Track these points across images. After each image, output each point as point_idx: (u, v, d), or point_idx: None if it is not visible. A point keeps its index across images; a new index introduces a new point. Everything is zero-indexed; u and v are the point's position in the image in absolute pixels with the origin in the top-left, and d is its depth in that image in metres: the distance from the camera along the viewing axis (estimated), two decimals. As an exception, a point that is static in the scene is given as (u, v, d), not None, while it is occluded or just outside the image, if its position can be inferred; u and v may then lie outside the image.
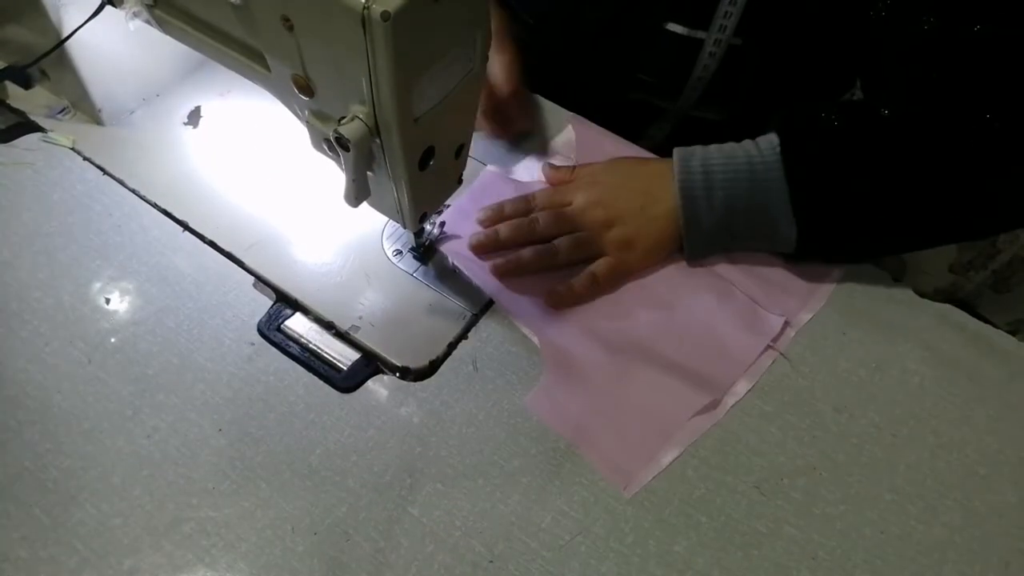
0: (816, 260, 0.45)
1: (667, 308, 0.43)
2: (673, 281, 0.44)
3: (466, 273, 0.44)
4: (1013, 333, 0.44)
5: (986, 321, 0.44)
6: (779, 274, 0.45)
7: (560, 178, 0.47)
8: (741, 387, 0.40)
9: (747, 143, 0.43)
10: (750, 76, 0.51)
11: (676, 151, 0.44)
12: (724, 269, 0.45)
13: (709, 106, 0.54)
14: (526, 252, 0.44)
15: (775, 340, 0.42)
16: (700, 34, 0.49)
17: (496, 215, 0.45)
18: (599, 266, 0.43)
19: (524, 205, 0.46)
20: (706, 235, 0.44)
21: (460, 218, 0.46)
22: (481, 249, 0.44)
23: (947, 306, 0.45)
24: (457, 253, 0.45)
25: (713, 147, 0.44)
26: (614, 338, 0.42)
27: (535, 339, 0.42)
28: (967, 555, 0.36)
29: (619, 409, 0.39)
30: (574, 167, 0.48)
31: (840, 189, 0.41)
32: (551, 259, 0.43)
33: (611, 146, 0.51)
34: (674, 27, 0.50)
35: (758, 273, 0.45)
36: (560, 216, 0.44)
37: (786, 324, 0.42)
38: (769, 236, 0.43)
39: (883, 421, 0.40)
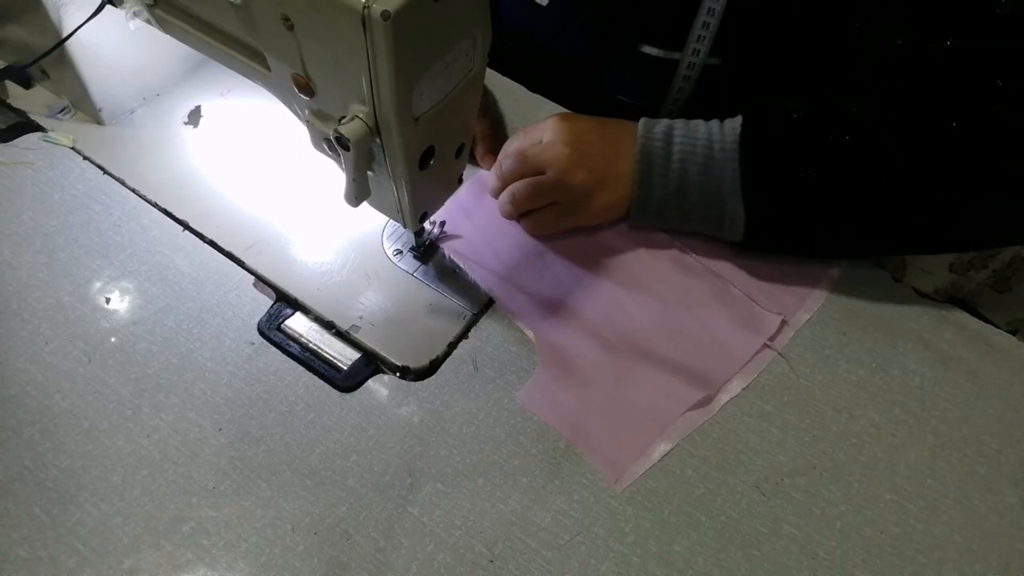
0: (763, 251, 0.45)
1: (663, 305, 0.43)
2: (670, 278, 0.45)
3: (466, 271, 0.44)
4: (1013, 333, 0.44)
5: (986, 321, 0.44)
6: (777, 273, 0.45)
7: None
8: (736, 384, 0.40)
9: (713, 122, 0.43)
10: (725, 95, 0.52)
11: (643, 119, 0.44)
12: (722, 267, 0.45)
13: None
14: (501, 198, 0.45)
15: (772, 339, 0.42)
16: (675, 55, 0.50)
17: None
18: (556, 210, 0.44)
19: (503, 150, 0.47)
20: (656, 202, 0.44)
21: (461, 217, 0.46)
22: (494, 194, 0.46)
23: (947, 305, 0.45)
24: (456, 252, 0.45)
25: (679, 120, 0.44)
26: (610, 335, 0.42)
27: (531, 335, 0.42)
28: (967, 555, 0.36)
29: (613, 404, 0.40)
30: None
31: (792, 178, 0.40)
32: (513, 206, 0.44)
33: None
34: (649, 49, 0.50)
35: (757, 271, 0.45)
36: (521, 157, 0.44)
37: (783, 323, 0.43)
38: (716, 219, 0.43)
39: (883, 421, 0.40)
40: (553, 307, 0.43)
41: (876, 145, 0.39)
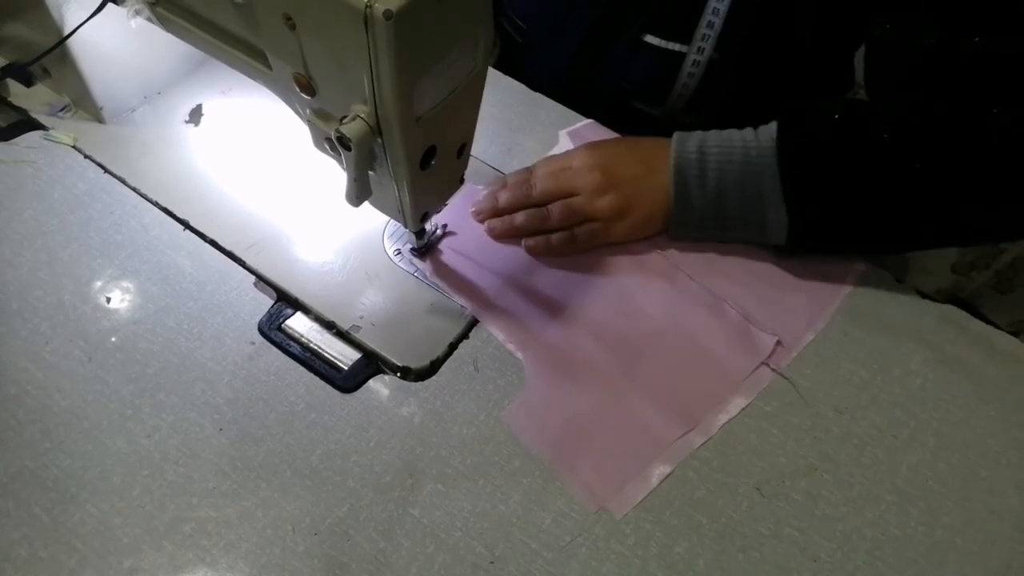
0: (807, 253, 0.44)
1: (655, 326, 0.42)
2: (662, 297, 0.44)
3: (448, 291, 0.43)
4: (1015, 334, 0.44)
5: (988, 322, 0.44)
6: (782, 293, 0.44)
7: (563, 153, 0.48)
8: (735, 405, 0.39)
9: (747, 130, 0.43)
10: (733, 89, 0.52)
11: (676, 133, 0.44)
12: (719, 285, 0.44)
13: (695, 114, 0.55)
14: (519, 215, 0.44)
15: (770, 358, 0.41)
16: (678, 47, 0.50)
17: (499, 186, 0.46)
18: (583, 230, 0.44)
19: (525, 173, 0.46)
20: (696, 216, 0.44)
21: (457, 222, 0.46)
22: (482, 215, 0.45)
23: (949, 307, 0.45)
24: (441, 269, 0.44)
25: (712, 132, 0.44)
26: (599, 356, 0.41)
27: (519, 354, 0.41)
28: (968, 557, 0.36)
29: (600, 428, 0.39)
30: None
31: (833, 179, 0.41)
32: (542, 223, 0.44)
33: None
34: (652, 39, 0.50)
35: (759, 292, 0.44)
36: (555, 178, 0.44)
37: (778, 343, 0.41)
38: (759, 225, 0.43)
39: (884, 422, 0.40)
40: (541, 326, 0.42)
41: (917, 140, 0.39)
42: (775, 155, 0.41)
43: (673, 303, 0.43)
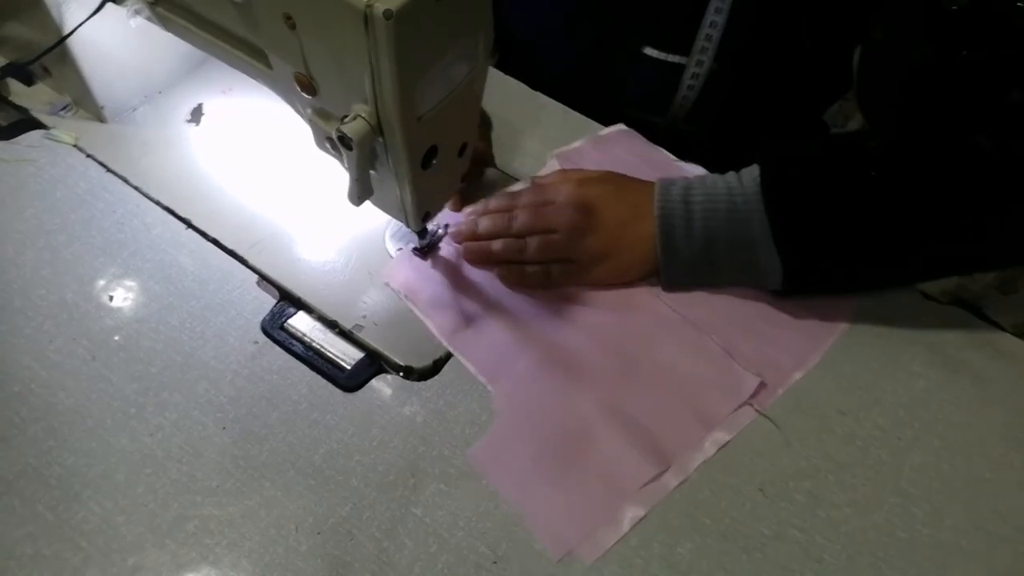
0: (806, 294, 0.42)
1: (632, 360, 0.40)
2: (641, 330, 0.41)
3: (418, 314, 0.41)
4: (1019, 335, 0.44)
5: (992, 323, 0.44)
6: (772, 328, 0.42)
7: (551, 179, 0.46)
8: (711, 446, 0.38)
9: (730, 175, 0.42)
10: (734, 98, 0.51)
11: (658, 180, 0.42)
12: (704, 318, 0.42)
13: (697, 123, 0.55)
14: (496, 243, 0.42)
15: (753, 398, 0.39)
16: (677, 59, 0.49)
17: (481, 210, 0.44)
18: (559, 269, 0.42)
19: (508, 200, 0.44)
20: (684, 264, 0.42)
21: (417, 261, 0.44)
22: (460, 238, 0.44)
23: (953, 308, 0.45)
24: (411, 297, 0.42)
25: (696, 178, 0.42)
26: (572, 392, 0.39)
27: (489, 388, 0.39)
28: (973, 559, 0.36)
29: (569, 470, 0.37)
30: (564, 170, 0.47)
31: (824, 220, 0.39)
32: (518, 255, 0.42)
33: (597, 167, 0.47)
34: (652, 52, 0.50)
35: (747, 326, 0.42)
36: (537, 213, 0.42)
37: (761, 385, 0.39)
38: (752, 270, 0.41)
39: (888, 424, 0.40)
40: (513, 358, 0.40)
41: (903, 176, 0.38)
42: (761, 201, 0.39)
43: (653, 337, 0.41)
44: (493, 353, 0.41)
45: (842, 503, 0.37)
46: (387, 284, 0.43)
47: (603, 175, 0.44)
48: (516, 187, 0.47)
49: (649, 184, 0.43)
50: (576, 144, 0.50)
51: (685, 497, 0.37)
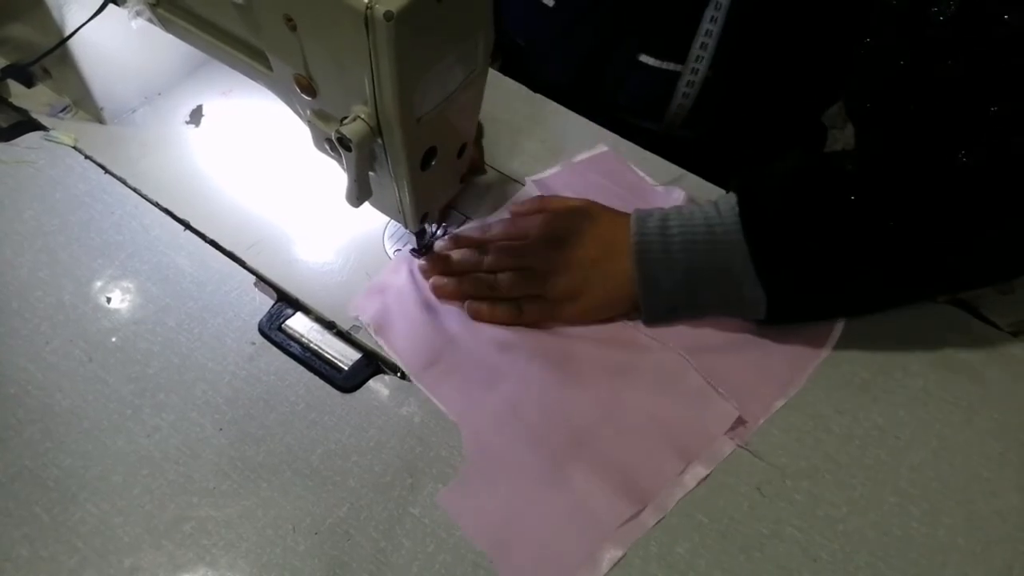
0: (789, 323, 0.42)
1: (607, 391, 0.39)
2: (618, 361, 0.40)
3: (387, 351, 0.40)
4: (1016, 334, 0.44)
5: (989, 322, 0.44)
6: (757, 355, 0.41)
7: (527, 208, 0.45)
8: (690, 478, 0.37)
9: (707, 205, 0.41)
10: (729, 103, 0.52)
11: (634, 211, 0.41)
12: (687, 345, 0.41)
13: (694, 129, 0.55)
14: (466, 280, 0.42)
15: (732, 430, 0.38)
16: (673, 66, 0.49)
17: (451, 245, 0.44)
18: (530, 307, 0.41)
19: (480, 232, 0.44)
20: (665, 298, 0.41)
21: (381, 293, 0.42)
22: (430, 271, 0.43)
23: (950, 307, 0.45)
24: (378, 329, 0.41)
25: (672, 209, 0.41)
26: (545, 429, 0.38)
27: (460, 427, 0.38)
28: (970, 558, 0.36)
29: (542, 510, 0.35)
30: (542, 197, 0.46)
31: (805, 249, 0.38)
32: (490, 291, 0.41)
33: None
34: (647, 59, 0.50)
35: (728, 352, 0.41)
36: (508, 251, 0.42)
37: (739, 420, 0.38)
38: (735, 301, 0.40)
39: (886, 423, 0.40)
40: (482, 392, 0.39)
41: (884, 196, 0.37)
42: (741, 231, 0.38)
43: (630, 369, 0.40)
44: (463, 391, 0.39)
45: (840, 502, 0.37)
46: (356, 318, 0.41)
47: (579, 207, 0.43)
48: (491, 220, 0.46)
49: (625, 217, 0.42)
50: (552, 170, 0.50)
51: (683, 496, 0.37)
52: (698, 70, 0.49)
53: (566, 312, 0.42)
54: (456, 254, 0.43)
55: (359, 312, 0.42)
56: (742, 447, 0.38)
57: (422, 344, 0.41)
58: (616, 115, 0.54)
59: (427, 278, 0.43)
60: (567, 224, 0.42)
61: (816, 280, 0.39)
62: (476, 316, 0.42)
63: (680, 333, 0.42)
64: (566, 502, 0.36)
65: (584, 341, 0.41)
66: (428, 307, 0.42)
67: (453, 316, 0.42)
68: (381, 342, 0.41)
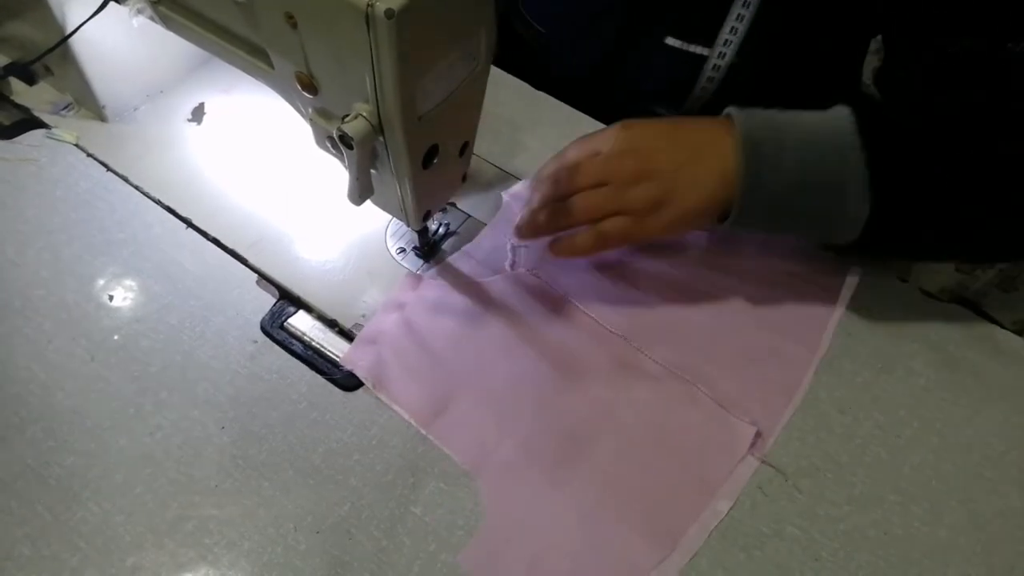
0: (874, 252, 0.39)
1: (626, 432, 0.37)
2: (634, 397, 0.39)
3: (390, 404, 0.38)
4: (1019, 332, 0.44)
5: (992, 320, 0.44)
6: (755, 365, 0.40)
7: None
8: (724, 504, 0.36)
9: (811, 112, 0.37)
10: (751, 92, 0.51)
11: (731, 108, 0.38)
12: (690, 367, 0.40)
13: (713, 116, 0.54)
14: (541, 213, 0.39)
15: (752, 448, 0.37)
16: (699, 50, 0.48)
17: (534, 183, 0.41)
18: (611, 224, 0.38)
19: (556, 163, 0.41)
20: (766, 201, 0.37)
21: (387, 335, 0.40)
22: (523, 232, 0.41)
23: (953, 306, 0.45)
24: (379, 381, 0.39)
25: (773, 110, 0.38)
26: (564, 478, 0.36)
27: (476, 479, 0.36)
28: (971, 557, 0.36)
29: (568, 569, 0.34)
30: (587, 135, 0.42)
31: (922, 171, 0.35)
32: (566, 218, 0.38)
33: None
34: (674, 42, 0.49)
35: (730, 367, 0.40)
36: (581, 169, 0.38)
37: (758, 435, 0.38)
38: (836, 216, 0.37)
39: (888, 422, 0.40)
40: (496, 441, 0.37)
41: (1000, 131, 0.35)
42: (857, 136, 0.35)
43: (643, 401, 0.38)
44: (475, 440, 0.37)
45: (841, 501, 0.37)
46: (351, 371, 0.39)
47: (651, 119, 0.40)
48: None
49: (706, 122, 0.39)
50: (527, 181, 0.48)
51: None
52: (725, 54, 0.47)
53: (649, 226, 0.38)
54: (536, 199, 0.40)
55: (351, 365, 0.39)
56: (764, 462, 0.37)
57: (426, 394, 0.38)
58: (634, 104, 0.53)
59: (522, 237, 0.41)
60: (643, 130, 0.39)
61: (926, 205, 0.36)
62: (558, 255, 0.39)
63: (681, 352, 0.40)
64: (593, 551, 0.34)
65: (593, 379, 0.39)
66: (425, 352, 0.40)
67: (453, 358, 0.40)
68: (383, 397, 0.39)
